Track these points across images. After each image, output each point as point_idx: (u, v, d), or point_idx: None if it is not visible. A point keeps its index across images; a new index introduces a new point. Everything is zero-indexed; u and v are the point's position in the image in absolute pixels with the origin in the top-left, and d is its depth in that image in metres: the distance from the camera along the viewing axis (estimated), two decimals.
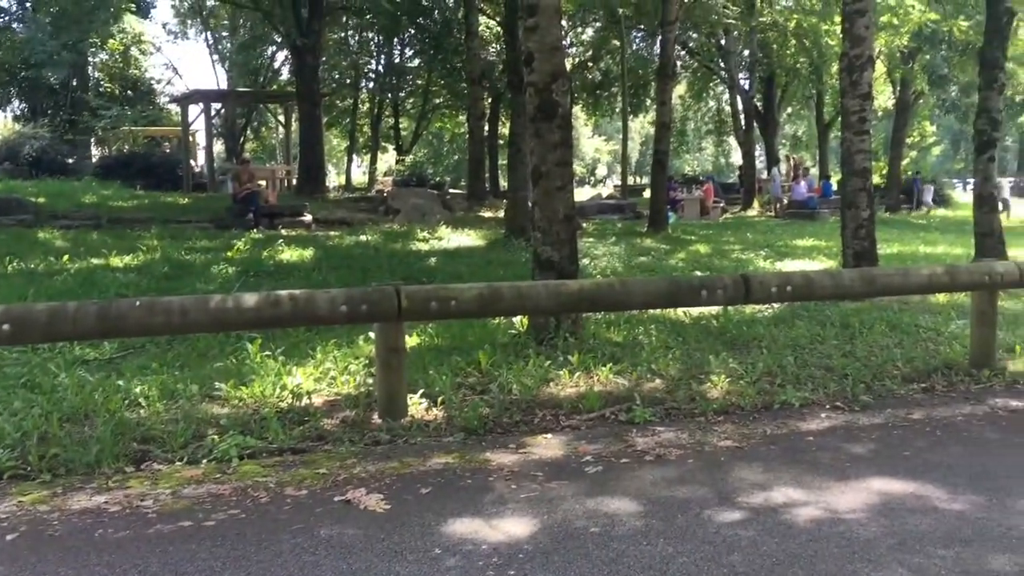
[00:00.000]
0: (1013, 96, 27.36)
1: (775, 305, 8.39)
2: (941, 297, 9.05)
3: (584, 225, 19.58)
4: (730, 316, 8.04)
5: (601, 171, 69.50)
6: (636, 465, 4.29)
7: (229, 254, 11.99)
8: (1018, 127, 40.82)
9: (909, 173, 31.14)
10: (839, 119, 10.72)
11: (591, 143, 68.61)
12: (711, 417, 5.11)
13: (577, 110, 44.35)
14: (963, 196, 34.04)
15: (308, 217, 16.49)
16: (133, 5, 29.95)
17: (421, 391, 5.29)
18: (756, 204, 28.67)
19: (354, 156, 42.05)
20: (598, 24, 31.88)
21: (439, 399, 5.22)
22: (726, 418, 5.10)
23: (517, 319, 7.16)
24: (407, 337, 6.68)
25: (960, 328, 7.30)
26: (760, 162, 33.24)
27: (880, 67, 27.72)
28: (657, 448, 4.54)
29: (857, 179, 9.98)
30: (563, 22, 32.79)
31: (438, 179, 28.55)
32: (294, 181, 24.75)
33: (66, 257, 11.00)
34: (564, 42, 33.81)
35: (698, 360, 6.27)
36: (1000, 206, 25.55)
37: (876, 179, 33.58)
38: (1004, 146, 55.47)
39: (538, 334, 6.75)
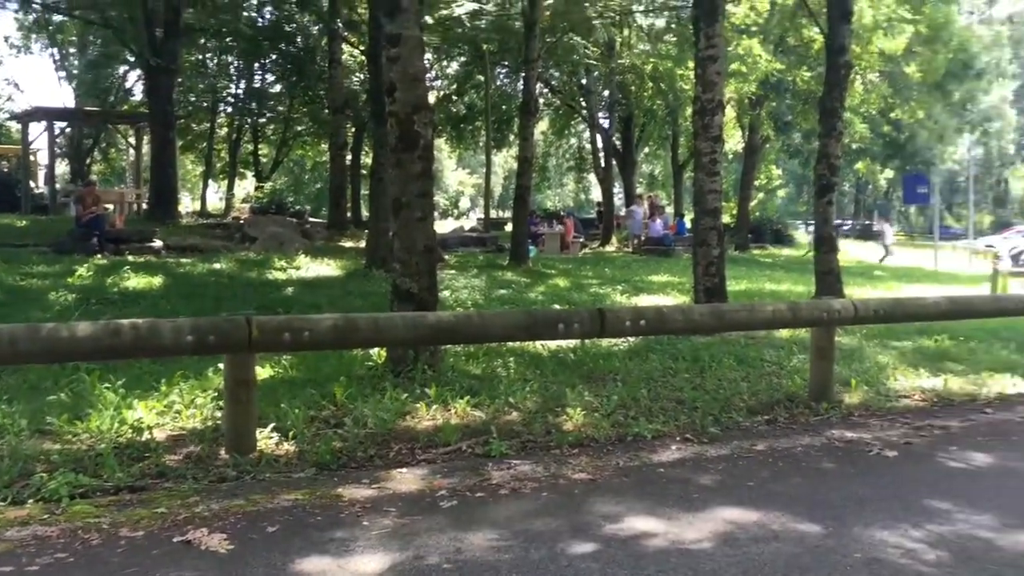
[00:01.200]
0: (850, 143, 29.15)
1: (630, 339, 8.57)
2: (784, 332, 9.46)
3: (446, 257, 19.56)
4: (587, 349, 8.17)
5: (464, 204, 69.89)
6: (491, 499, 4.26)
7: (70, 280, 11.34)
8: (855, 173, 43.52)
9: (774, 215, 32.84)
10: (692, 160, 11.15)
11: (455, 175, 69.00)
12: (566, 450, 5.15)
13: (441, 142, 44.52)
14: (806, 237, 35.99)
15: (158, 243, 15.80)
16: None
17: (272, 425, 5.12)
18: (614, 240, 29.40)
19: (210, 181, 40.76)
20: (463, 58, 32.18)
21: (291, 433, 5.06)
22: (581, 450, 5.15)
23: (375, 351, 7.06)
24: (259, 369, 6.49)
25: (801, 362, 7.65)
26: (619, 199, 34.11)
27: (730, 112, 29.08)
28: (512, 481, 4.53)
29: (708, 218, 10.37)
30: (427, 54, 33.09)
31: (298, 208, 27.92)
32: (144, 205, 23.74)
33: None
34: (429, 74, 34.14)
35: (555, 393, 6.33)
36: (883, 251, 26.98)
37: (727, 219, 35.22)
38: (842, 190, 59.08)
39: (396, 366, 6.67)
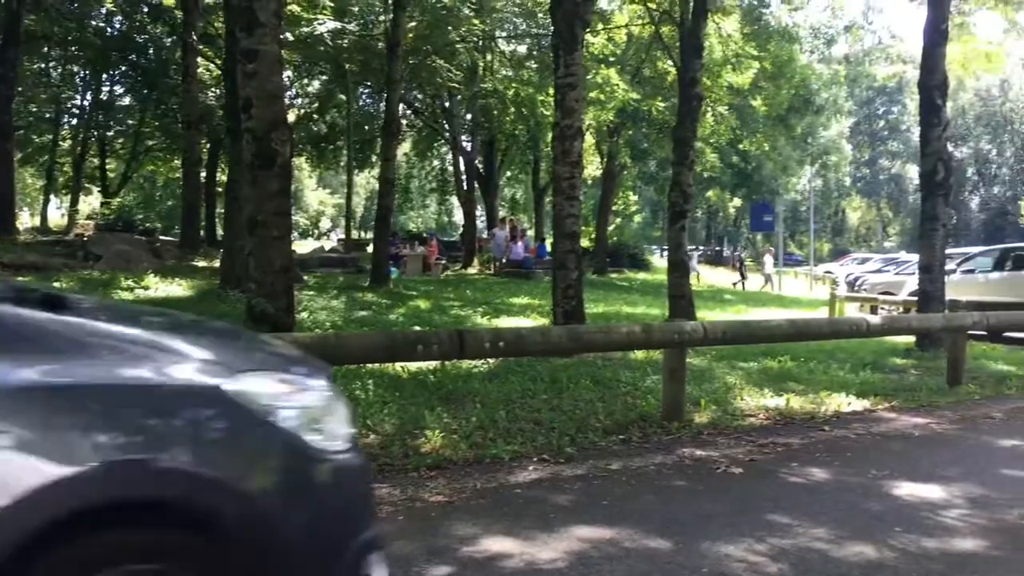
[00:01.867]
0: (701, 172, 30.37)
1: (490, 360, 8.62)
2: (639, 354, 9.71)
3: (305, 278, 19.20)
4: (447, 371, 8.16)
5: (325, 224, 68.88)
6: None
7: None
8: (706, 200, 45.38)
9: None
10: (552, 184, 11.37)
11: (315, 195, 67.93)
12: (424, 472, 5.12)
13: (301, 161, 43.76)
14: (661, 261, 37.25)
15: None
16: None
17: None
18: (476, 262, 29.57)
19: (52, 196, 38.65)
20: (325, 77, 31.78)
21: None
22: (439, 473, 5.13)
23: None
24: None
25: (655, 383, 7.85)
26: (481, 222, 34.36)
27: (590, 139, 29.84)
28: None
29: (567, 241, 10.57)
30: (288, 72, 32.51)
31: (148, 225, 26.83)
32: None
33: None
34: (289, 92, 33.50)
35: (413, 415, 6.29)
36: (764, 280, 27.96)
37: (586, 243, 36.02)
38: (695, 217, 61.44)
39: None
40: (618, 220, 36.67)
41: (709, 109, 22.33)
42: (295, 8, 20.16)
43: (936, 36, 11.51)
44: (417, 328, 10.44)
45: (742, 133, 26.49)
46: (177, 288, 14.51)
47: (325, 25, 20.20)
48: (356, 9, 21.03)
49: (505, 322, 13.30)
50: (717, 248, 64.27)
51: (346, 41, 21.71)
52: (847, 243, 70.42)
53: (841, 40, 36.44)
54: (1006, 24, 14.85)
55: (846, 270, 32.21)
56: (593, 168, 34.94)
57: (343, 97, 30.38)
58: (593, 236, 30.92)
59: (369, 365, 7.73)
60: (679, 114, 14.06)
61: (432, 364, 8.08)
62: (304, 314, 12.51)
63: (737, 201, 43.36)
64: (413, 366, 8.12)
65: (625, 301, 19.21)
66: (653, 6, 15.59)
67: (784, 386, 8.38)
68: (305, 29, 20.31)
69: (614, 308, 17.10)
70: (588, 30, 21.14)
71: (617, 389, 7.89)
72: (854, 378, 9.01)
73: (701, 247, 60.70)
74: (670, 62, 15.36)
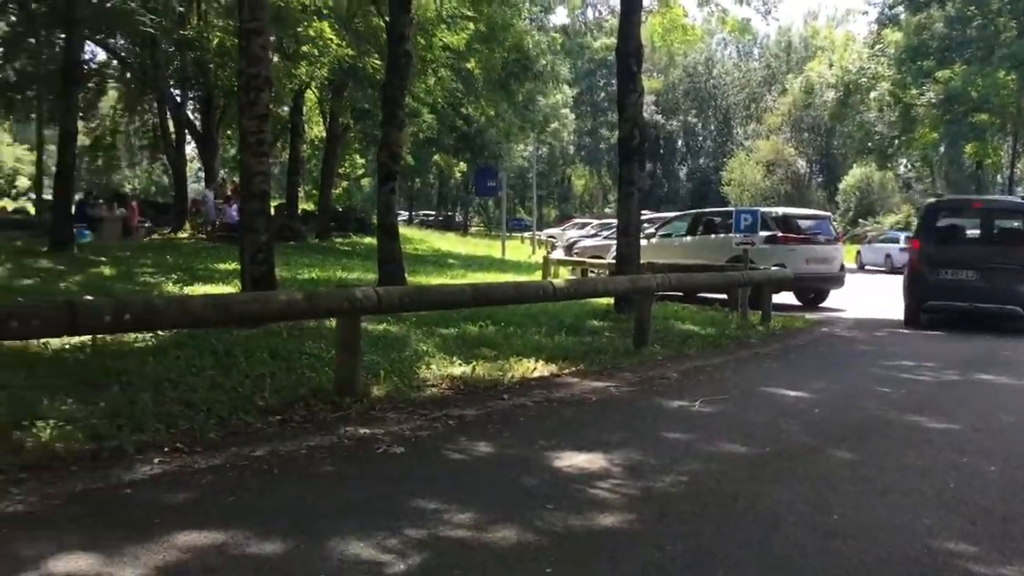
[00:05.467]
0: (417, 134, 29.98)
1: (160, 333, 7.68)
2: (335, 323, 9.11)
3: None
4: (103, 347, 7.15)
5: (24, 183, 62.08)
6: None
7: None
8: (436, 165, 45.29)
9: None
10: (240, 140, 10.41)
11: (11, 151, 61.04)
12: (14, 475, 4.22)
13: None
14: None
15: None
16: None
17: None
18: (189, 226, 27.60)
19: None
20: (13, 18, 28.19)
21: None
22: (35, 474, 4.24)
23: None
24: None
25: None
26: (199, 183, 32.11)
27: (312, 97, 28.63)
28: None
29: (256, 202, 9.66)
30: None
31: None
32: None
33: None
34: None
35: (29, 402, 5.29)
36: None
37: (310, 206, 34.77)
38: (428, 182, 61.51)
39: None
40: (345, 184, 35.64)
41: (430, 70, 21.95)
42: None
43: (631, 3, 11.69)
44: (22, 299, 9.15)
45: (463, 96, 26.37)
46: None
47: None
48: None
49: (200, 289, 12.23)
50: (448, 213, 64.91)
51: None
52: (572, 209, 73.53)
53: (560, 12, 37.52)
54: None
55: (568, 235, 33.31)
56: (320, 129, 33.73)
57: (33, 41, 27.05)
58: (317, 200, 29.82)
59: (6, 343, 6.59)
60: (386, 71, 13.48)
61: (86, 339, 7.06)
62: None
63: (463, 166, 43.63)
64: (57, 342, 7.03)
65: (343, 267, 18.55)
66: None
67: (476, 352, 8.09)
68: None
69: (327, 274, 16.41)
70: None
71: (297, 363, 7.22)
72: (548, 342, 8.89)
73: (433, 212, 61.13)
74: (384, 18, 14.67)
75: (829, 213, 24.29)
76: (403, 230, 29.22)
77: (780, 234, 15.18)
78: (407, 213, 57.33)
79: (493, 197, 38.33)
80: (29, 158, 61.96)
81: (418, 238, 34.65)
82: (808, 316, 13.60)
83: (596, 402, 6.52)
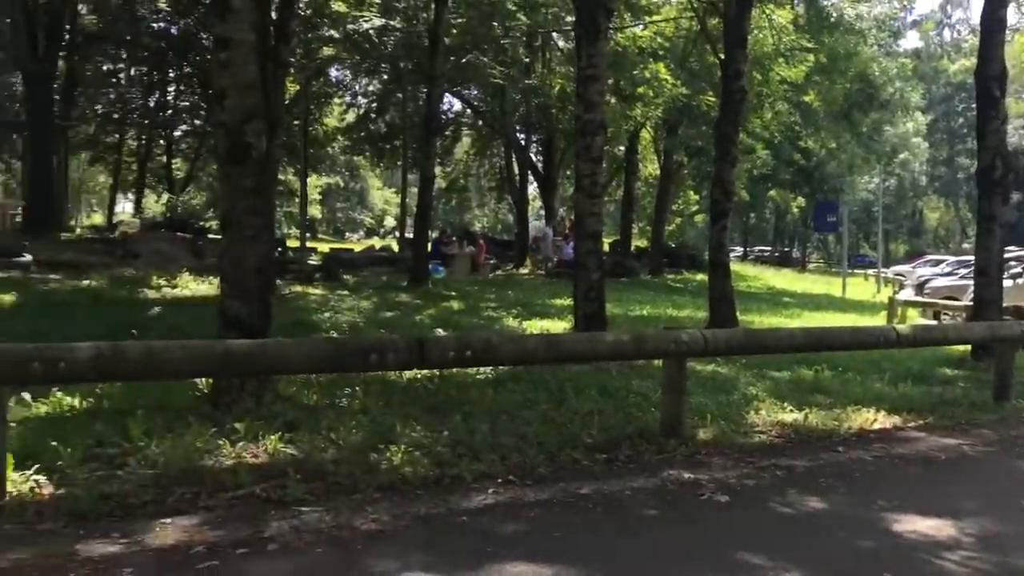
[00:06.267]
0: (750, 169, 29.39)
1: (499, 367, 8.17)
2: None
3: (346, 277, 19.05)
4: (448, 377, 7.73)
5: (390, 223, 69.20)
6: (256, 557, 3.77)
7: None
8: (773, 200, 44.07)
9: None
10: (575, 182, 10.84)
11: (380, 194, 68.34)
12: (370, 495, 4.68)
13: (361, 160, 43.97)
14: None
15: (28, 258, 14.95)
16: None
17: (36, 466, 4.54)
18: (529, 262, 29.12)
19: (120, 196, 39.46)
20: (386, 77, 31.77)
21: (55, 476, 4.50)
22: (386, 495, 4.68)
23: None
24: (57, 398, 5.92)
25: None
26: (540, 220, 33.81)
27: (647, 136, 29.12)
28: (289, 534, 4.04)
29: (589, 241, 10.04)
30: (346, 72, 32.57)
31: (201, 224, 26.87)
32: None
33: None
34: (353, 90, 33.51)
35: (384, 427, 5.85)
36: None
37: (643, 243, 35.22)
38: (763, 217, 60.03)
39: (219, 396, 6.13)
40: (678, 220, 35.76)
41: (766, 104, 21.47)
42: (340, 7, 19.99)
43: (994, 23, 10.65)
44: (383, 332, 9.98)
45: (802, 130, 25.43)
46: (208, 287, 14.35)
47: (371, 22, 19.94)
48: (401, 5, 20.72)
49: (537, 324, 12.84)
50: (785, 249, 62.69)
51: (392, 38, 21.44)
52: (924, 245, 67.90)
53: (911, 35, 34.97)
54: None
55: (918, 273, 30.78)
56: (654, 167, 34.25)
57: (400, 96, 30.24)
58: (650, 236, 30.18)
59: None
60: (721, 108, 13.39)
61: (432, 370, 7.68)
62: (327, 314, 12.28)
63: (801, 200, 41.91)
64: (409, 372, 7.71)
65: (673, 304, 18.52)
66: None
67: (809, 399, 7.72)
68: (351, 26, 20.07)
69: (658, 311, 16.48)
70: (638, 25, 20.58)
71: (625, 401, 7.34)
72: (891, 391, 8.26)
73: (768, 248, 59.35)
74: (719, 55, 14.61)
75: None
76: (736, 266, 28.74)
77: None
78: (741, 249, 56.27)
79: (833, 233, 36.47)
80: (395, 200, 69.12)
81: (752, 275, 33.83)
82: None
83: (946, 461, 5.94)
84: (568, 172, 38.63)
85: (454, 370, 7.89)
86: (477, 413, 6.47)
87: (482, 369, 8.14)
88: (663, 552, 3.98)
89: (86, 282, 13.25)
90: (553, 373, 8.12)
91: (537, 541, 4.08)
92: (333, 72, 32.71)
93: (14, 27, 18.73)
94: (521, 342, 5.47)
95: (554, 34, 25.70)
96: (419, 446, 5.47)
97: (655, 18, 19.79)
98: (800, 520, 4.59)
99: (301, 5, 17.60)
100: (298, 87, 25.62)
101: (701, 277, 30.37)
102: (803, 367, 9.36)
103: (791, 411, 7.16)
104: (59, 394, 5.98)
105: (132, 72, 34.39)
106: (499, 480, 5.03)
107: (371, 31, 20.32)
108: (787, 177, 34.45)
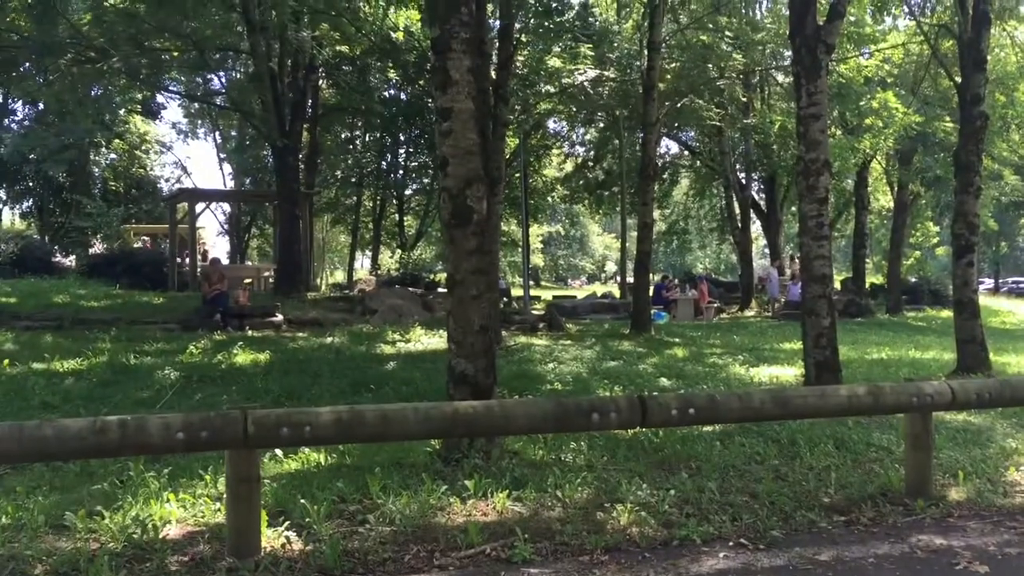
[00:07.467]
0: (998, 197, 27.17)
1: None
2: None
3: (568, 325, 19.28)
4: (672, 431, 7.60)
5: (611, 268, 69.60)
6: None
7: (181, 358, 11.69)
8: (1020, 228, 40.39)
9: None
10: (799, 224, 10.43)
11: (600, 240, 68.90)
12: (597, 556, 4.64)
13: (581, 208, 44.58)
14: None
15: (279, 317, 16.25)
16: (139, 107, 30.52)
17: (287, 523, 4.87)
18: (754, 304, 28.25)
19: (358, 253, 42.16)
20: (601, 125, 32.26)
21: (304, 533, 4.80)
22: (613, 557, 4.63)
23: None
24: (303, 454, 6.33)
25: None
26: (765, 259, 32.86)
27: (878, 168, 27.65)
28: None
29: (817, 286, 9.62)
30: (563, 122, 33.33)
31: (432, 278, 28.22)
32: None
33: (6, 361, 10.73)
34: (571, 139, 34.26)
35: (612, 485, 5.82)
36: None
37: (879, 279, 33.25)
38: (1016, 245, 55.11)
39: (449, 453, 6.35)
40: (917, 254, 33.52)
41: (1013, 126, 19.82)
42: (555, 62, 20.52)
43: None
44: (602, 392, 9.85)
45: None
46: (439, 341, 14.96)
47: (586, 74, 20.34)
48: (614, 56, 21.00)
49: (764, 371, 12.41)
50: None
51: (607, 88, 21.73)
52: None
53: None
54: None
55: None
56: (886, 200, 32.43)
57: (617, 142, 30.55)
58: (886, 272, 28.48)
59: None
60: (960, 135, 12.52)
61: None
62: (551, 365, 12.45)
63: None
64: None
65: (916, 345, 17.30)
66: (926, 20, 14.05)
67: None
68: (566, 80, 20.55)
69: (899, 353, 15.41)
70: (863, 55, 19.67)
71: (863, 455, 6.92)
72: None
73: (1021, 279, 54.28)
74: (955, 79, 13.69)
75: None
76: (987, 300, 26.49)
77: None
78: (992, 281, 51.84)
79: None
80: (615, 245, 69.53)
81: (1005, 310, 31.01)
82: None
83: None
84: (793, 208, 37.44)
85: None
86: (704, 469, 6.32)
87: None
88: None
89: (329, 339, 14.18)
90: (784, 424, 7.80)
91: None
92: (551, 124, 33.61)
93: (264, 107, 20.73)
94: (746, 399, 5.27)
95: (766, 70, 25.15)
96: (645, 505, 5.38)
97: (881, 46, 18.84)
98: None
99: (518, 65, 18.28)
100: (517, 140, 26.50)
101: (946, 314, 28.21)
102: None
103: None
104: (306, 450, 6.41)
105: (367, 138, 36.95)
106: (730, 543, 4.85)
107: (586, 83, 20.68)
108: None
